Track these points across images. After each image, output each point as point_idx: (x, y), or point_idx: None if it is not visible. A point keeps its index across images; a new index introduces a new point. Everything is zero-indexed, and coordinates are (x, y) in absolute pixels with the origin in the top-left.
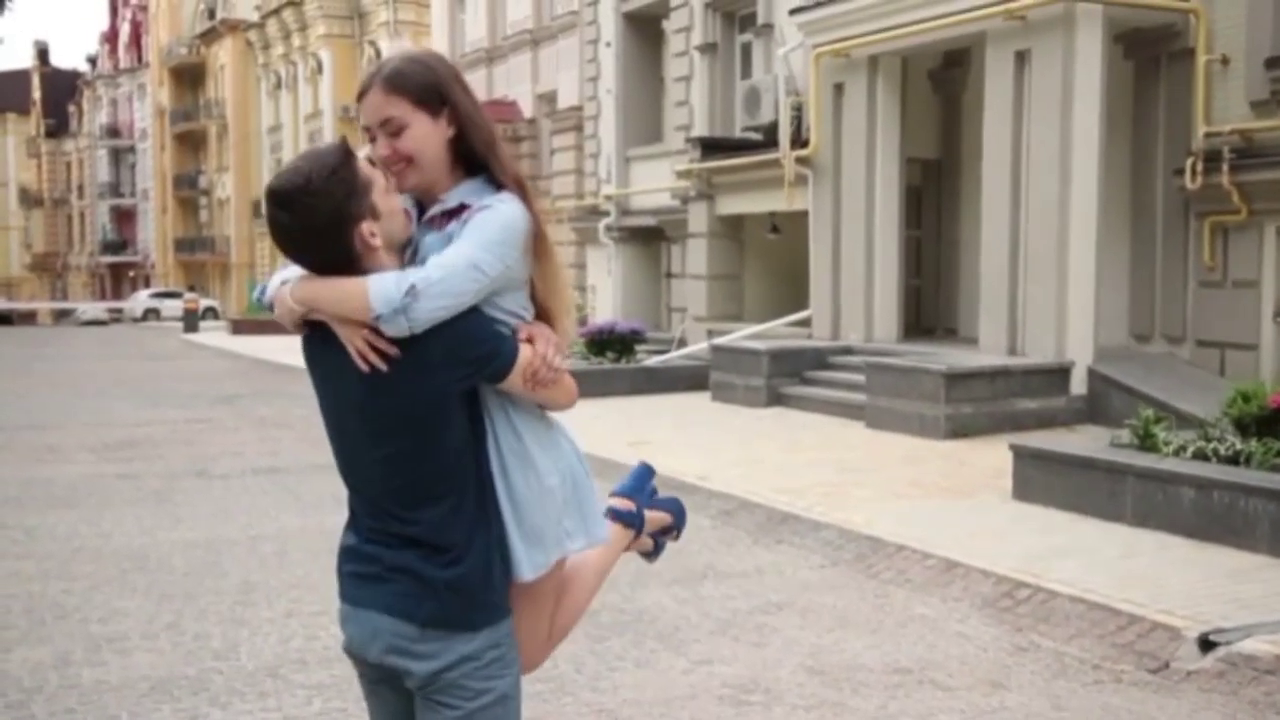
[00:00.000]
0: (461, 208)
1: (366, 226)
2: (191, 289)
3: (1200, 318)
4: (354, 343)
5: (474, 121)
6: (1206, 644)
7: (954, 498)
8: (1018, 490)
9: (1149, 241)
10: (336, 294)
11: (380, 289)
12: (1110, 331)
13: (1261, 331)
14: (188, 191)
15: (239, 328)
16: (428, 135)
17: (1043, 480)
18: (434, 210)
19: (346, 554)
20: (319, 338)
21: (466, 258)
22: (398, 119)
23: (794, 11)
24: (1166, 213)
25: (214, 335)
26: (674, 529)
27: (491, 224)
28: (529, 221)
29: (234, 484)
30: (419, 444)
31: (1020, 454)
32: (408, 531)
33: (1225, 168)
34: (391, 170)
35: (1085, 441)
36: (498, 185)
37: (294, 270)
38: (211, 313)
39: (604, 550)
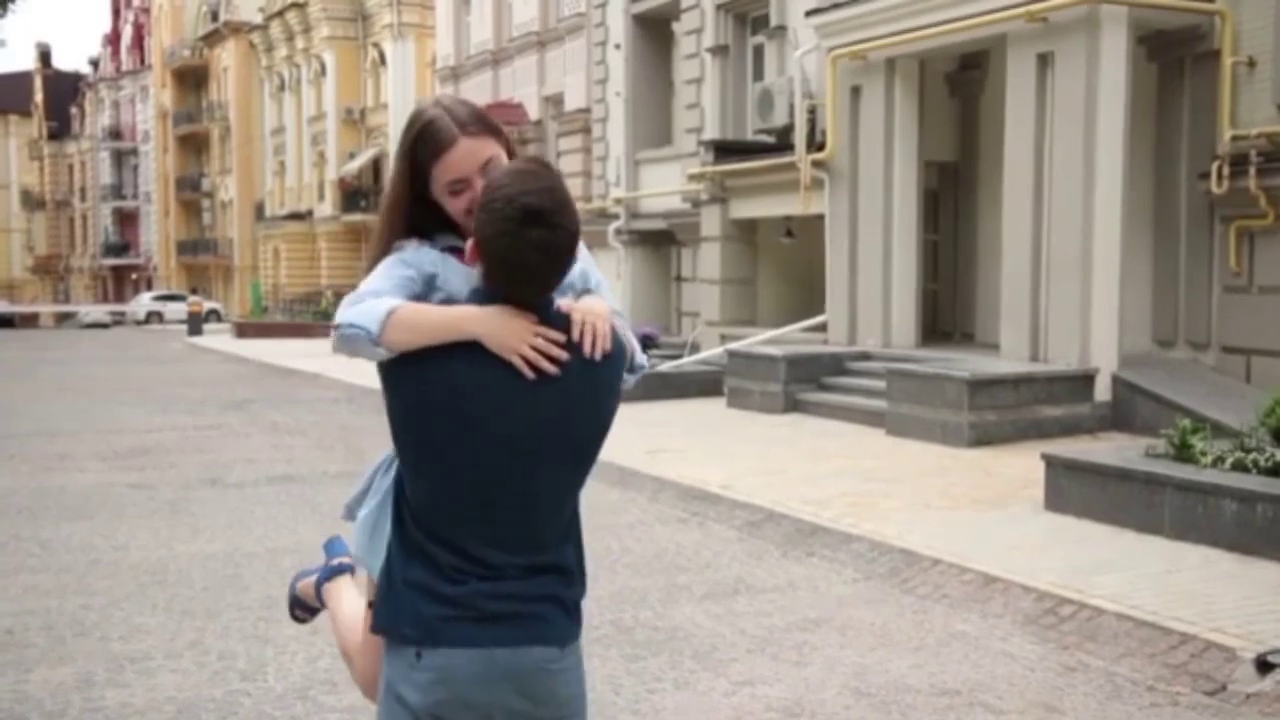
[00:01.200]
0: None
1: None
2: (194, 291)
3: (1225, 324)
4: (521, 351)
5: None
6: (1264, 665)
7: (985, 508)
8: (1050, 501)
9: (1173, 246)
10: None
11: None
12: (1133, 337)
13: None
14: (190, 194)
15: (243, 331)
16: None
17: (1076, 491)
18: None
19: (443, 600)
20: (466, 360)
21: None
22: (497, 156)
23: (810, 14)
24: (1191, 217)
25: (218, 339)
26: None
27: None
28: None
29: (249, 493)
30: (590, 467)
31: (1053, 464)
32: (546, 559)
33: (1252, 172)
34: None
35: (1116, 450)
36: None
37: (394, 300)
38: (214, 315)
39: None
